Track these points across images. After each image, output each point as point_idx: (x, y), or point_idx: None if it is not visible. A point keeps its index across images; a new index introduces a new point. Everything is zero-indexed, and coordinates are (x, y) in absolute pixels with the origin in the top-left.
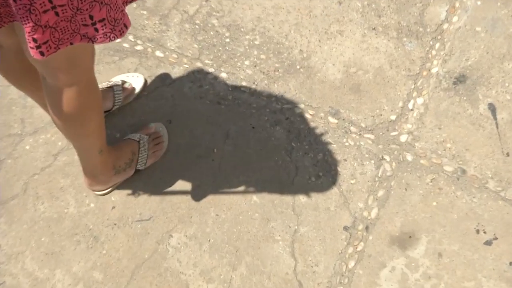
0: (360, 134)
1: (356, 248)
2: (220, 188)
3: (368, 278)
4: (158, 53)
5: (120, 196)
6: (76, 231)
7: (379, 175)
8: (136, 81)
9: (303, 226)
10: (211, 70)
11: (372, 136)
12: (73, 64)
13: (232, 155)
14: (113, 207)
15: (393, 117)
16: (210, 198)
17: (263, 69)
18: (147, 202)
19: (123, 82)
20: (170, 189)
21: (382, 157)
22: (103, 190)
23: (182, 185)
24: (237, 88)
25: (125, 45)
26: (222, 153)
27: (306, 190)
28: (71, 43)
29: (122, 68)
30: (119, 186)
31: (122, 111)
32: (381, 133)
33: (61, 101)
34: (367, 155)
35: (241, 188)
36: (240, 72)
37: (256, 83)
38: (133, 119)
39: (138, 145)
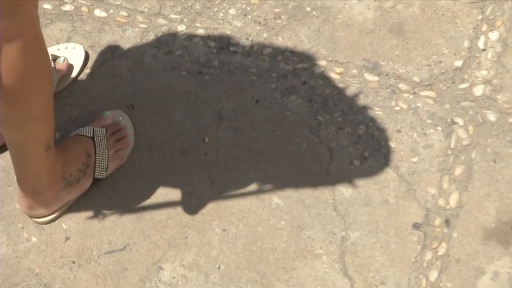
0: (414, 93)
1: (437, 251)
2: (222, 192)
3: None
4: (99, 12)
5: (75, 220)
6: (16, 280)
7: (452, 146)
8: (73, 55)
9: (353, 231)
10: (181, 28)
11: (432, 94)
12: (14, 5)
13: (232, 143)
14: (67, 238)
15: (458, 63)
16: (210, 208)
17: (258, 17)
18: (117, 225)
19: (54, 58)
20: (148, 202)
21: (453, 120)
22: (48, 215)
23: (165, 194)
24: (223, 49)
25: (46, 6)
26: (218, 143)
27: (349, 179)
28: None
29: (48, 39)
30: (72, 207)
31: (59, 100)
32: (444, 88)
33: (1, 64)
34: (429, 121)
35: (254, 188)
36: (224, 25)
37: (250, 38)
38: (77, 110)
39: (93, 143)
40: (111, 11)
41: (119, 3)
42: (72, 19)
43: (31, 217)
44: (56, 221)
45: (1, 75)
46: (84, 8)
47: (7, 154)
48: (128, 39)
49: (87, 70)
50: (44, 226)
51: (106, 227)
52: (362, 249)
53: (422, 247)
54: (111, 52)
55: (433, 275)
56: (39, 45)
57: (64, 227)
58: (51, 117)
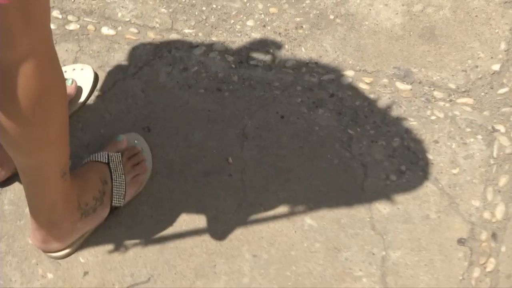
0: (450, 101)
1: (485, 268)
2: (250, 215)
3: None
4: (107, 30)
5: (94, 253)
6: None
7: (494, 155)
8: (81, 77)
9: (393, 250)
10: (196, 43)
11: (470, 100)
12: (28, 18)
13: (258, 162)
14: (86, 273)
15: (496, 67)
16: (238, 233)
17: (278, 28)
18: (138, 256)
19: None
20: (171, 229)
21: (493, 128)
22: (64, 249)
23: (189, 220)
24: (243, 63)
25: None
26: (242, 163)
27: (386, 195)
28: None
29: None
30: (89, 239)
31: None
32: (483, 94)
33: (15, 84)
34: (469, 129)
35: (284, 209)
36: (242, 38)
37: (271, 50)
38: (88, 135)
39: (109, 169)
40: (120, 28)
41: (127, 20)
42: (78, 38)
43: (46, 251)
44: (73, 255)
45: (18, 96)
46: (90, 27)
47: (15, 186)
48: (140, 57)
49: (97, 92)
50: (60, 261)
51: (127, 259)
52: (404, 269)
53: (469, 263)
54: (122, 72)
55: None
56: (54, 61)
57: (82, 260)
58: (67, 140)
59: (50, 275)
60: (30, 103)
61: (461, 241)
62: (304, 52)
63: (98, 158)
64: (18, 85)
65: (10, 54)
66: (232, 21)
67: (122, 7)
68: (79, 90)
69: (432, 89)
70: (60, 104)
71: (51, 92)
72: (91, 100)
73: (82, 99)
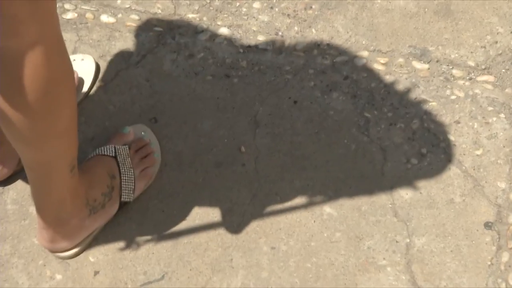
0: (470, 79)
1: None
2: (266, 206)
3: None
4: (106, 18)
5: (104, 252)
6: None
7: None
8: (82, 67)
9: (418, 237)
10: (201, 28)
11: (491, 78)
12: (34, 4)
13: (272, 150)
14: (96, 272)
15: None
16: (254, 225)
17: (286, 10)
18: (151, 253)
19: None
20: (184, 224)
21: None
22: (72, 248)
23: (202, 214)
24: (251, 48)
25: None
26: (255, 151)
27: (407, 180)
28: None
29: None
30: (98, 237)
31: None
32: (504, 70)
33: (22, 74)
34: (491, 108)
35: (302, 198)
36: (249, 21)
37: (280, 33)
38: (92, 128)
39: (116, 162)
40: (120, 15)
41: (127, 6)
42: (76, 27)
43: (53, 251)
44: (82, 254)
45: (25, 86)
46: (88, 15)
47: (18, 185)
48: (143, 44)
49: (99, 83)
50: (68, 261)
51: (139, 256)
52: (430, 256)
53: (497, 248)
54: (125, 61)
55: None
56: (62, 49)
57: (92, 260)
58: (75, 132)
59: (59, 276)
60: (38, 93)
61: (488, 225)
62: (315, 34)
63: (104, 151)
64: (25, 75)
65: (16, 42)
66: (238, 3)
67: None
68: (80, 81)
69: (451, 67)
70: (69, 93)
71: (60, 81)
72: (93, 92)
73: (84, 90)
